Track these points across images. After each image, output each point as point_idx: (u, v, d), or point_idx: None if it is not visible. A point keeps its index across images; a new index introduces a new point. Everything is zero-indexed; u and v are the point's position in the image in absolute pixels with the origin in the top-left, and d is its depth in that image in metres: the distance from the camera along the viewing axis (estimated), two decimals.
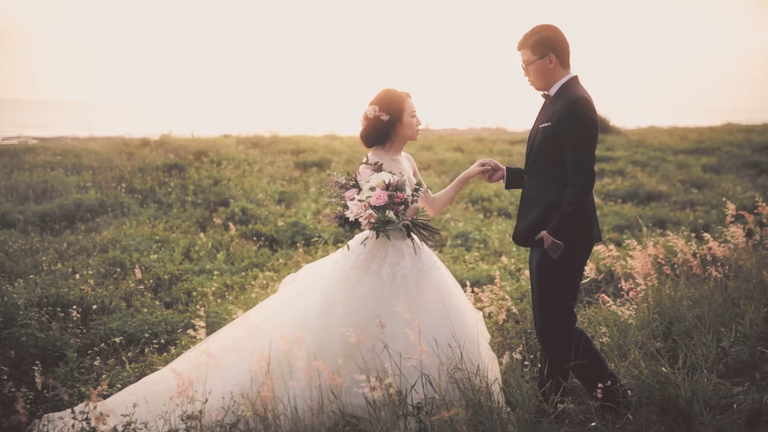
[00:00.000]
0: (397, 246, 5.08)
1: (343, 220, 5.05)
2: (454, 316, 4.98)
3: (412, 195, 5.08)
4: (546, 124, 4.92)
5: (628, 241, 7.07)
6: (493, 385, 4.82)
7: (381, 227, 4.92)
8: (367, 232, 5.11)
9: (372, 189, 4.94)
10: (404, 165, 5.29)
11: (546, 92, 5.08)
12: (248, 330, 4.93)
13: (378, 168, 5.06)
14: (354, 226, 5.03)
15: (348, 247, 5.11)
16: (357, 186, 5.06)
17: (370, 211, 4.89)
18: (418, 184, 5.14)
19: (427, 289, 5.02)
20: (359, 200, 4.95)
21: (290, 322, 5.06)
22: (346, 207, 5.05)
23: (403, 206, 4.98)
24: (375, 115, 5.22)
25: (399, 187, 4.98)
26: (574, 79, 5.01)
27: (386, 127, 5.23)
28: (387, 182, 4.95)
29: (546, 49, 4.98)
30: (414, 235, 5.14)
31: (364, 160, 5.19)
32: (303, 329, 4.92)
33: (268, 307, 5.40)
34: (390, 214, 4.90)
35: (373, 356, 4.77)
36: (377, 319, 4.80)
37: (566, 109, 4.82)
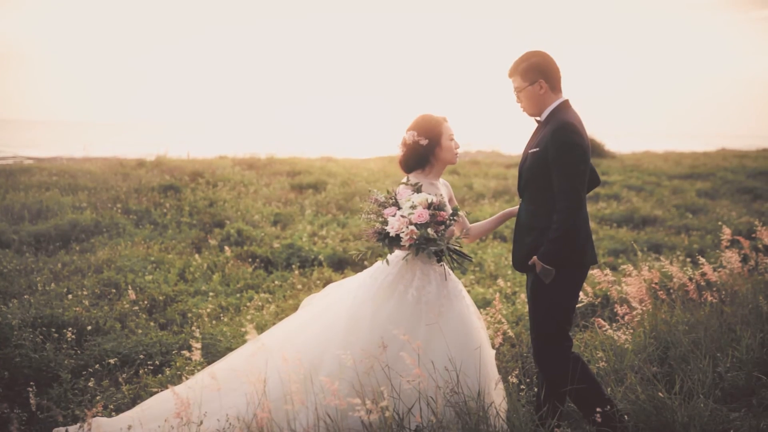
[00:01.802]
0: (425, 271, 5.09)
1: (383, 236, 5.04)
2: (470, 349, 4.98)
3: (450, 219, 5.09)
4: (534, 150, 4.96)
5: (624, 267, 7.06)
6: (489, 408, 4.81)
7: (424, 244, 4.92)
8: (402, 252, 5.13)
9: (413, 207, 4.96)
10: (442, 191, 5.31)
11: (537, 118, 5.12)
12: (251, 350, 4.92)
13: (417, 189, 5.10)
14: (394, 242, 5.01)
15: (387, 261, 5.09)
16: (396, 204, 5.08)
17: (413, 227, 4.89)
18: (455, 209, 5.15)
19: (448, 317, 5.01)
20: (402, 216, 4.95)
21: (311, 341, 5.07)
22: (384, 223, 5.04)
23: (443, 226, 4.99)
24: (414, 140, 5.25)
25: (440, 207, 5.00)
26: (565, 103, 5.04)
27: (425, 152, 5.26)
28: (429, 201, 4.97)
29: (536, 75, 5.02)
30: (444, 262, 5.14)
31: (404, 180, 5.22)
32: (324, 348, 4.94)
33: (286, 327, 5.38)
34: (431, 232, 4.91)
35: (389, 377, 4.78)
36: (398, 340, 4.81)
37: (552, 134, 4.85)
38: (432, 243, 4.93)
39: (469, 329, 5.05)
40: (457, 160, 5.38)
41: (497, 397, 5.05)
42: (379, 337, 4.86)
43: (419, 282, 5.05)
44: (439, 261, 5.09)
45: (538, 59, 5.04)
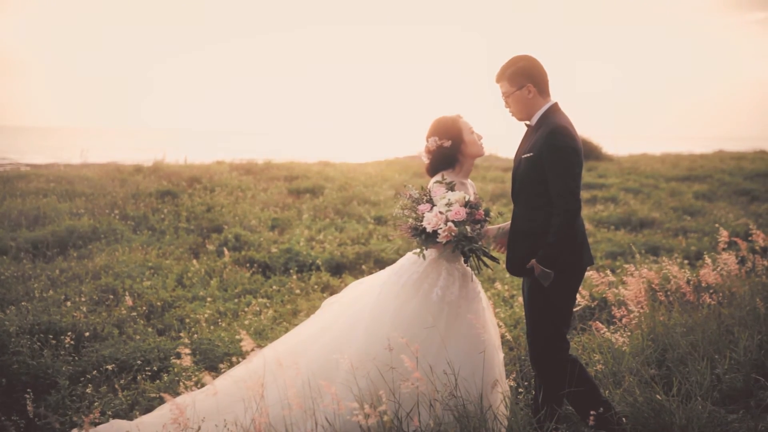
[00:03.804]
0: (450, 270, 5.10)
1: (419, 231, 5.03)
2: (479, 351, 4.98)
3: (486, 218, 5.09)
4: (528, 155, 4.95)
5: (626, 266, 7.06)
6: (488, 411, 4.81)
7: (463, 241, 4.91)
8: (431, 251, 5.12)
9: (449, 204, 4.95)
10: (470, 191, 5.31)
11: (527, 122, 5.12)
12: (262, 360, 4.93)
13: (450, 187, 5.09)
14: (430, 238, 5.00)
15: (423, 256, 5.07)
16: (431, 202, 5.07)
17: (451, 224, 4.88)
18: (486, 209, 5.15)
19: (464, 320, 5.02)
20: (440, 211, 4.94)
21: (330, 345, 5.08)
22: (418, 219, 5.03)
23: (479, 225, 4.98)
24: (437, 145, 5.26)
25: (476, 206, 5.01)
26: (554, 106, 5.05)
27: (451, 152, 5.26)
28: (467, 200, 4.98)
29: (523, 79, 5.02)
30: (470, 262, 5.15)
31: (437, 178, 5.20)
32: (346, 346, 4.94)
33: (302, 333, 5.38)
34: (469, 230, 4.91)
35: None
36: (420, 340, 4.83)
37: (546, 139, 4.85)
38: (470, 241, 4.93)
39: (481, 331, 5.06)
40: (484, 150, 5.37)
41: (495, 400, 5.05)
42: (401, 336, 4.87)
43: (444, 281, 5.05)
44: (466, 261, 5.10)
45: (525, 63, 5.04)
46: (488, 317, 5.20)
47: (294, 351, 5.17)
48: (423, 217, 5.00)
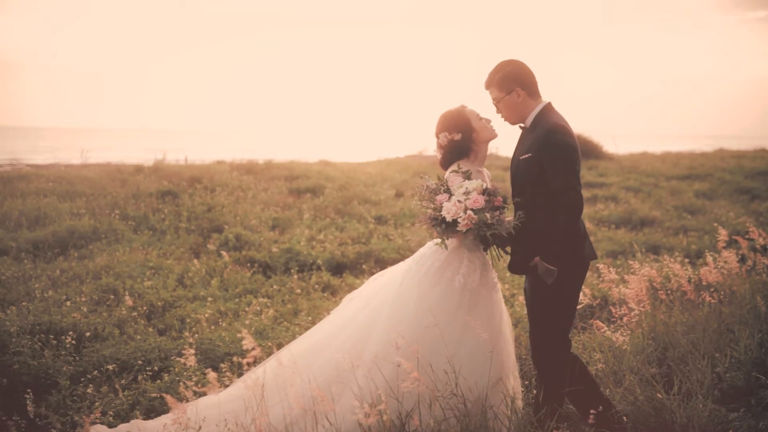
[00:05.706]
0: (472, 258, 5.10)
1: (438, 221, 5.03)
2: (496, 344, 4.99)
3: (505, 204, 5.10)
4: (526, 156, 4.97)
5: (630, 262, 7.05)
6: (489, 411, 4.82)
7: (484, 229, 4.91)
8: (452, 240, 5.13)
9: (467, 193, 4.95)
10: (486, 180, 5.31)
11: (522, 124, 5.14)
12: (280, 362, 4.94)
13: (467, 176, 5.10)
14: (450, 228, 5.00)
15: (445, 246, 5.07)
16: (448, 191, 5.07)
17: (470, 212, 4.89)
18: (503, 198, 5.16)
19: (483, 308, 5.03)
20: (458, 200, 4.94)
21: (352, 338, 5.10)
22: (437, 209, 5.03)
23: (498, 212, 4.99)
24: (449, 139, 5.28)
25: (494, 193, 5.01)
26: (548, 106, 5.08)
27: (464, 144, 5.28)
28: (484, 187, 4.99)
29: (512, 84, 5.06)
30: (489, 251, 5.14)
31: (453, 168, 5.21)
32: (365, 342, 4.97)
33: (327, 328, 5.40)
34: (489, 217, 4.91)
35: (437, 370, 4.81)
36: (443, 328, 4.86)
37: (544, 138, 4.87)
38: (490, 228, 4.93)
39: (498, 323, 5.07)
40: (496, 132, 5.34)
41: (495, 398, 5.06)
42: (424, 325, 4.87)
43: (466, 269, 5.06)
44: (485, 249, 5.10)
45: (512, 68, 5.09)
46: (504, 309, 5.23)
47: (311, 352, 5.18)
48: (441, 207, 5.00)
